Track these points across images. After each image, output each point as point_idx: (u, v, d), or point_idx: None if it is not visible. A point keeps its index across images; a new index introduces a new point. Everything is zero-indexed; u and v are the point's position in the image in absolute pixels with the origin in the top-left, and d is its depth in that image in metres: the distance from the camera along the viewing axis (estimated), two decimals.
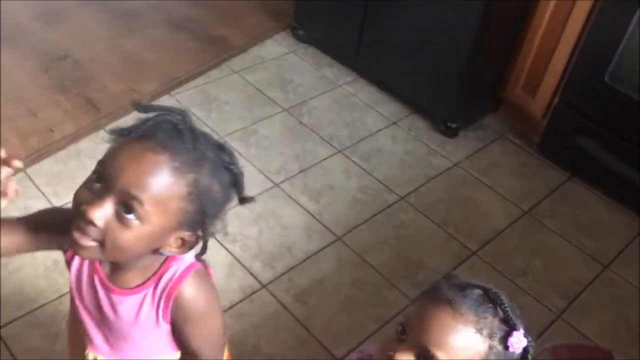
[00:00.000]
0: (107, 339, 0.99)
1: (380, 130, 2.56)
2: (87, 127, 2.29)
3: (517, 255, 2.12)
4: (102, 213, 0.77)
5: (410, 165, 2.42)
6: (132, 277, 0.90)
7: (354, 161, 2.40)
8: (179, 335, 0.94)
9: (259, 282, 1.90)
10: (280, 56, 2.87)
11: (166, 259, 0.90)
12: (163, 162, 0.77)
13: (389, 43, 2.58)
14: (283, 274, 1.94)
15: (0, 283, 1.77)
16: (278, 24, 3.03)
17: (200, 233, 0.85)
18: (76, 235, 0.79)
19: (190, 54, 2.75)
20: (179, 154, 0.78)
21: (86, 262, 0.95)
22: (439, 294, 0.85)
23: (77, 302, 0.97)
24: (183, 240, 0.85)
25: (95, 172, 0.80)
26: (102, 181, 0.78)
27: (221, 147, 0.86)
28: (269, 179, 2.26)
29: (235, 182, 0.87)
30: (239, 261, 1.94)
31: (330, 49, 2.89)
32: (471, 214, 2.26)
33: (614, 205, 2.34)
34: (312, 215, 2.15)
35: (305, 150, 2.41)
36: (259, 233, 2.05)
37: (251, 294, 1.86)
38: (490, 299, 0.85)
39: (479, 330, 0.82)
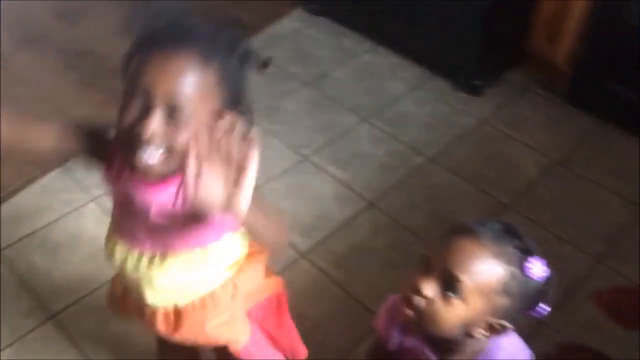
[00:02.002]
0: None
1: (404, 95, 2.56)
2: (116, 119, 2.34)
3: (552, 205, 2.11)
4: None
5: (436, 127, 2.42)
6: None
7: (379, 128, 2.41)
8: None
9: (297, 251, 1.93)
10: (296, 32, 2.88)
11: None
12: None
13: (402, 5, 2.56)
14: (320, 242, 1.97)
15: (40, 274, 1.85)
16: (290, 1, 3.03)
17: None
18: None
19: None
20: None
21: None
22: (462, 227, 0.91)
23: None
24: None
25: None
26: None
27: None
28: (297, 152, 2.28)
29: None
30: None
31: (344, 19, 2.88)
32: (502, 169, 2.25)
33: None
34: (343, 184, 2.17)
35: (331, 122, 2.43)
36: (292, 205, 2.09)
37: (291, 264, 1.90)
38: (510, 231, 0.92)
39: (498, 257, 0.88)
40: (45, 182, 2.12)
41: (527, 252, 0.90)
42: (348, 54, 2.77)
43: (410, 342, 1.05)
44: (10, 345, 1.68)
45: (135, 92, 0.85)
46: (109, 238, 1.12)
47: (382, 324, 1.11)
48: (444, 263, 0.89)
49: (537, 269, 0.89)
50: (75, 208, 2.04)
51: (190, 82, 0.83)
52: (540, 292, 0.91)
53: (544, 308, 0.93)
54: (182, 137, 0.84)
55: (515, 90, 2.59)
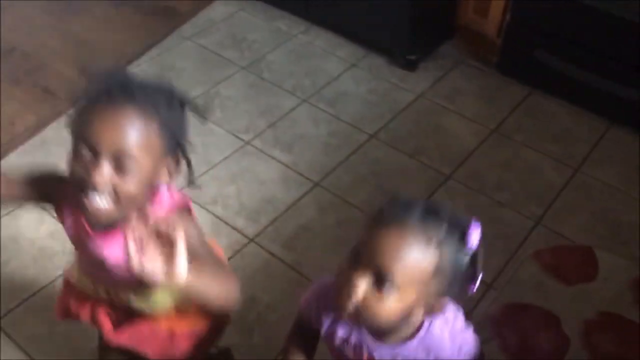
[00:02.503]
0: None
1: (341, 74, 2.57)
2: (48, 115, 2.26)
3: (491, 172, 2.17)
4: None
5: (375, 104, 2.44)
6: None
7: (320, 108, 2.41)
8: None
9: (246, 236, 1.93)
10: (229, 16, 2.85)
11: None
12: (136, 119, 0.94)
13: None
14: (268, 225, 1.97)
15: None
16: None
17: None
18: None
19: (139, 28, 2.71)
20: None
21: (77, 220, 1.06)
22: (387, 216, 0.87)
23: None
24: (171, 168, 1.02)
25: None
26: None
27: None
28: (238, 138, 2.26)
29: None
30: (222, 220, 1.96)
31: (278, 1, 2.86)
32: (441, 141, 2.30)
33: (576, 111, 2.40)
34: (287, 166, 2.17)
35: (270, 105, 2.41)
36: (237, 191, 2.07)
37: (240, 249, 1.89)
38: (434, 209, 0.88)
39: (427, 241, 0.85)
40: None
41: (457, 226, 0.87)
42: (283, 35, 2.75)
43: (343, 329, 1.02)
44: None
45: (83, 145, 0.92)
46: (77, 269, 1.21)
47: (311, 305, 1.08)
48: (374, 257, 0.85)
49: (475, 238, 0.87)
50: (10, 211, 1.96)
51: (134, 135, 0.92)
52: (472, 262, 0.89)
53: (479, 278, 0.91)
54: (129, 185, 0.93)
55: (449, 63, 2.64)
